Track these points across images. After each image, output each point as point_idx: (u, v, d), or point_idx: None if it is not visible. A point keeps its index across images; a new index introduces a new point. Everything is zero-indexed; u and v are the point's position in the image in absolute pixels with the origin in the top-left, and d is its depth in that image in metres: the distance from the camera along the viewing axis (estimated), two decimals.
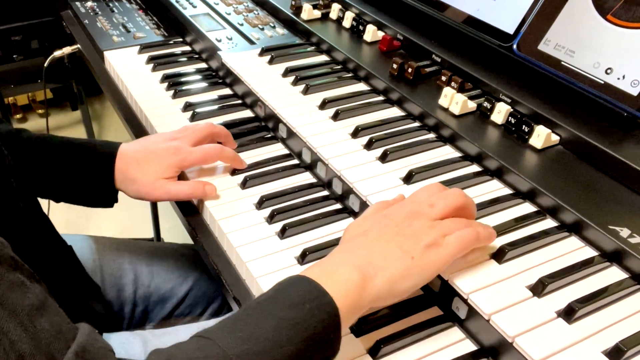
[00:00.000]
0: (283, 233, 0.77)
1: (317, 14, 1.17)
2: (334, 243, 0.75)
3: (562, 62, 0.84)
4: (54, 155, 0.85)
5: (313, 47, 1.12)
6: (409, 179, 0.79)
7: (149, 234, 1.91)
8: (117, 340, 0.85)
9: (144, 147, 0.86)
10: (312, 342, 0.54)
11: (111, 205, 0.89)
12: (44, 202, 1.59)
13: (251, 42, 1.15)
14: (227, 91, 1.11)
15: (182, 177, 0.89)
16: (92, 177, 0.85)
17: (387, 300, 0.61)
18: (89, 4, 1.46)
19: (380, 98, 0.97)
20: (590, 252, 0.68)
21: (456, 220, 0.65)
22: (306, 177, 0.89)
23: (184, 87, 1.09)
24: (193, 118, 1.01)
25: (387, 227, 0.63)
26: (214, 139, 0.89)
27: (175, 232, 1.99)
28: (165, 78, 1.13)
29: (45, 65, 1.47)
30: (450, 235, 0.62)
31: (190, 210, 0.86)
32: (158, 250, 1.09)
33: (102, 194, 0.87)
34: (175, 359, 0.51)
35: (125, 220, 2.20)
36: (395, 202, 0.68)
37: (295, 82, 1.01)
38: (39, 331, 0.46)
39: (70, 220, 2.21)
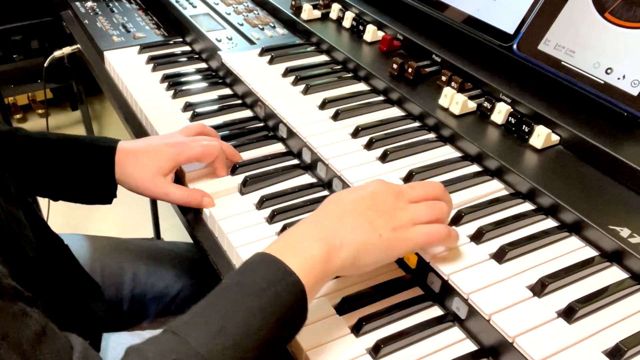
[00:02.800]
0: None
1: (317, 14, 1.17)
2: None
3: (562, 62, 0.84)
4: (52, 152, 0.85)
5: (313, 47, 1.12)
6: (409, 179, 0.79)
7: (149, 233, 1.91)
8: (117, 341, 0.85)
9: (143, 142, 0.87)
10: (280, 324, 0.56)
11: (110, 202, 0.89)
12: (44, 203, 1.59)
13: (251, 42, 1.15)
14: (227, 91, 1.11)
15: (181, 179, 0.89)
16: (91, 170, 0.85)
17: (351, 272, 0.63)
18: (89, 4, 1.46)
19: (380, 98, 0.97)
20: (590, 252, 0.68)
21: (431, 207, 0.66)
22: (306, 177, 0.89)
23: (184, 87, 1.09)
24: (193, 118, 1.01)
25: (362, 199, 0.64)
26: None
27: (175, 231, 1.99)
28: (165, 78, 1.13)
29: (45, 65, 1.47)
30: (421, 225, 0.64)
31: (190, 210, 0.86)
32: (156, 248, 1.10)
33: (102, 188, 0.86)
34: None
35: (125, 220, 2.20)
36: None
37: (295, 82, 1.01)
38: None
39: (70, 220, 2.21)
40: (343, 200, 0.65)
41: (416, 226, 0.63)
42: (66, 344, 0.51)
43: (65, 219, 2.18)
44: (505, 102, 0.86)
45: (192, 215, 0.85)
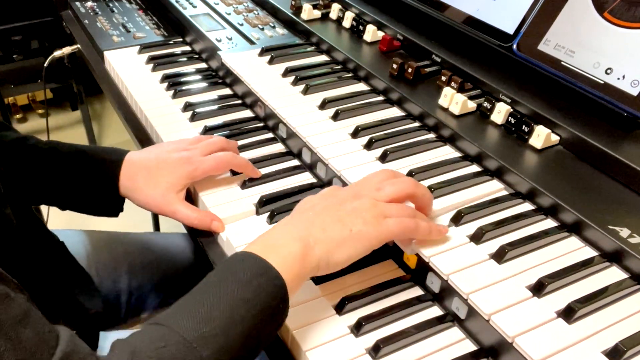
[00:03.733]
0: None
1: (317, 14, 1.17)
2: None
3: (562, 62, 0.84)
4: (58, 164, 0.84)
5: (313, 47, 1.12)
6: None
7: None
8: (115, 339, 0.85)
9: (155, 156, 0.84)
10: (263, 316, 0.58)
11: (116, 215, 0.88)
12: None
13: (251, 42, 1.15)
14: (227, 91, 1.11)
15: (190, 188, 0.89)
16: (96, 185, 0.84)
17: (328, 269, 0.64)
18: (89, 4, 1.46)
19: (380, 98, 0.97)
20: (590, 252, 0.68)
21: (400, 207, 0.67)
22: (306, 177, 0.89)
23: (184, 87, 1.09)
24: (193, 118, 1.01)
25: (332, 204, 0.67)
26: None
27: (175, 231, 1.99)
28: (165, 78, 1.13)
29: (45, 65, 1.47)
30: (391, 218, 0.65)
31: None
32: (151, 241, 1.09)
33: (106, 202, 0.86)
34: (140, 352, 0.53)
35: (125, 219, 2.18)
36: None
37: (295, 82, 1.01)
38: (24, 341, 0.48)
39: (70, 219, 2.20)
40: (314, 206, 0.67)
41: (387, 218, 0.65)
42: (52, 331, 0.51)
43: (65, 217, 2.17)
44: (505, 102, 0.86)
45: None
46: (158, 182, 0.81)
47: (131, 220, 2.20)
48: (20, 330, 0.48)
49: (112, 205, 0.86)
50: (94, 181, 0.84)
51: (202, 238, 0.81)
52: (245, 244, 0.77)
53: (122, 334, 0.87)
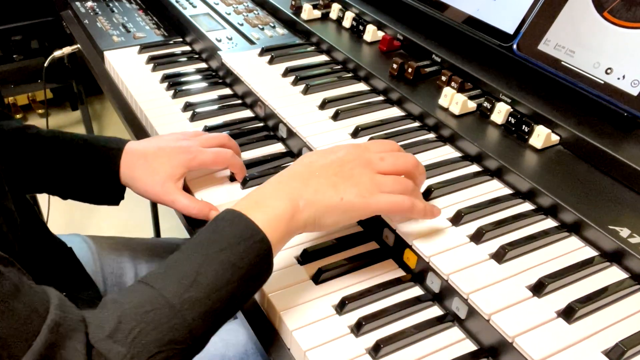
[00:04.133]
0: None
1: (317, 14, 1.17)
2: (334, 242, 0.75)
3: (562, 62, 0.84)
4: (60, 152, 0.85)
5: (313, 47, 1.12)
6: None
7: (149, 233, 1.91)
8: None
9: (154, 145, 0.84)
10: (247, 278, 0.60)
11: (117, 203, 0.88)
12: (44, 203, 1.59)
13: (251, 42, 1.15)
14: (227, 91, 1.11)
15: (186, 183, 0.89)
16: (97, 173, 0.84)
17: (313, 230, 0.67)
18: (89, 4, 1.46)
19: (380, 98, 0.97)
20: (590, 252, 0.68)
21: (398, 181, 0.68)
22: None
23: (184, 87, 1.09)
24: (193, 118, 1.01)
25: (331, 165, 0.67)
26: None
27: (175, 232, 1.99)
28: (165, 78, 1.13)
29: (45, 65, 1.47)
30: (385, 193, 0.66)
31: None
32: (156, 246, 1.09)
33: (108, 190, 0.86)
34: (125, 318, 0.54)
35: (125, 220, 2.20)
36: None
37: (295, 82, 1.01)
38: (15, 313, 0.49)
39: (70, 220, 2.21)
40: (313, 163, 0.68)
41: (380, 193, 0.66)
42: (43, 297, 0.53)
43: (66, 219, 2.18)
44: (505, 102, 0.86)
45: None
46: (156, 170, 0.81)
47: (132, 220, 2.21)
48: (12, 303, 0.49)
49: (113, 193, 0.87)
50: (96, 170, 0.84)
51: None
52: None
53: None
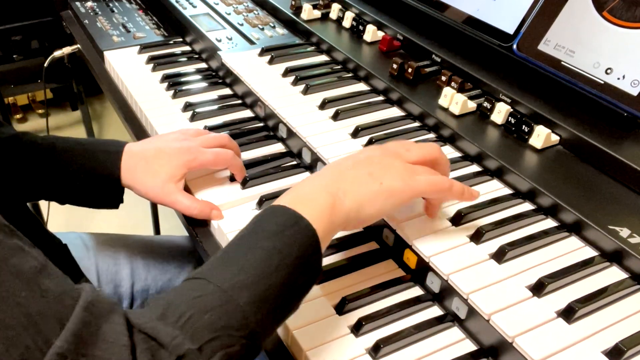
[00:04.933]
0: None
1: (317, 14, 1.17)
2: (333, 242, 0.75)
3: (562, 62, 0.84)
4: (56, 159, 0.84)
5: (313, 47, 1.12)
6: None
7: (149, 233, 1.91)
8: None
9: (153, 146, 0.84)
10: (297, 265, 0.57)
11: (116, 207, 0.88)
12: (44, 204, 1.59)
13: (251, 42, 1.15)
14: (227, 91, 1.11)
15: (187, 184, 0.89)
16: (97, 178, 0.84)
17: (358, 222, 0.65)
18: (89, 4, 1.46)
19: (380, 98, 0.97)
20: (590, 252, 0.68)
21: (430, 169, 0.68)
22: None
23: (184, 87, 1.09)
24: (193, 118, 1.01)
25: (362, 160, 0.67)
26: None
27: (175, 231, 1.99)
28: (165, 78, 1.13)
29: (45, 65, 1.47)
30: (422, 175, 0.66)
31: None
32: (153, 243, 1.08)
33: (108, 194, 0.85)
34: (173, 304, 0.52)
35: (125, 219, 2.20)
36: None
37: (295, 82, 1.01)
38: (44, 291, 0.46)
39: (70, 220, 2.21)
40: (341, 164, 0.68)
41: (418, 175, 0.66)
42: (72, 284, 0.50)
43: (66, 219, 2.18)
44: (505, 102, 0.86)
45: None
46: (157, 172, 0.81)
47: (131, 220, 2.21)
48: (41, 280, 0.47)
49: (112, 197, 0.86)
50: (96, 174, 0.83)
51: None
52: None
53: None
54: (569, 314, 0.60)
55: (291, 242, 0.58)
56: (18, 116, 2.77)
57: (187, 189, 0.86)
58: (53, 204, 1.33)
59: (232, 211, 0.82)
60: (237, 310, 0.53)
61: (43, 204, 1.59)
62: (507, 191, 0.77)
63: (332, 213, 0.61)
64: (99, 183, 0.84)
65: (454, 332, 0.66)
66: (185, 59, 1.21)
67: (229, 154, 0.84)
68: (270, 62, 1.07)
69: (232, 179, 0.87)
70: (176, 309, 0.51)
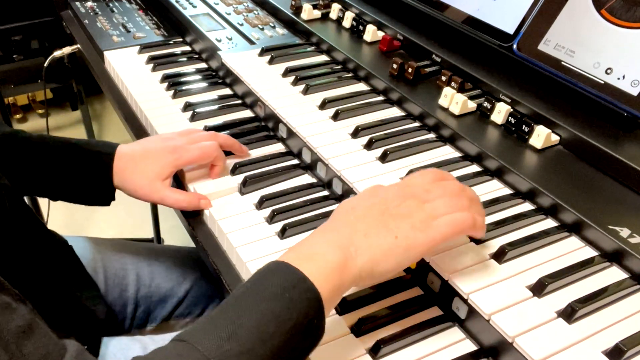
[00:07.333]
0: (283, 233, 0.77)
1: (317, 14, 1.17)
2: None
3: (562, 62, 0.84)
4: (50, 156, 0.86)
5: (313, 47, 1.12)
6: None
7: (149, 234, 1.91)
8: (117, 346, 0.85)
9: (141, 147, 0.87)
10: (295, 332, 0.53)
11: (108, 204, 0.90)
12: (44, 204, 1.59)
13: (251, 42, 1.15)
14: (227, 91, 1.11)
15: (180, 178, 0.89)
16: (89, 176, 0.86)
17: (369, 281, 0.60)
18: (89, 4, 1.46)
19: (380, 98, 0.97)
20: (590, 252, 0.68)
21: (450, 200, 0.62)
22: (306, 177, 0.89)
23: (184, 87, 1.09)
24: (193, 118, 1.01)
25: (375, 205, 0.61)
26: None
27: (175, 232, 1.99)
28: (165, 78, 1.13)
29: (45, 65, 1.47)
30: (441, 217, 0.60)
31: (190, 211, 0.86)
32: (159, 251, 1.10)
33: (100, 192, 0.87)
34: None
35: (125, 220, 2.20)
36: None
37: (295, 82, 1.01)
38: (26, 355, 0.46)
39: (70, 220, 2.21)
40: (355, 207, 0.62)
41: (437, 219, 0.60)
42: (57, 344, 0.49)
43: (65, 220, 2.18)
44: (505, 102, 0.86)
45: (192, 216, 0.85)
46: (144, 171, 0.84)
47: (131, 220, 2.21)
48: (23, 343, 0.46)
49: (104, 195, 0.88)
50: (88, 174, 0.86)
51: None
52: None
53: (124, 339, 0.87)
54: (569, 314, 0.60)
55: (291, 306, 0.53)
56: (18, 116, 2.77)
57: (180, 182, 0.87)
58: (53, 204, 1.33)
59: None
60: None
61: (43, 204, 1.59)
62: (507, 191, 0.77)
63: (342, 272, 0.57)
64: (91, 182, 0.86)
65: (454, 332, 0.66)
66: (185, 59, 1.21)
67: (212, 146, 0.86)
68: (270, 62, 1.07)
69: (234, 170, 0.89)
70: None
